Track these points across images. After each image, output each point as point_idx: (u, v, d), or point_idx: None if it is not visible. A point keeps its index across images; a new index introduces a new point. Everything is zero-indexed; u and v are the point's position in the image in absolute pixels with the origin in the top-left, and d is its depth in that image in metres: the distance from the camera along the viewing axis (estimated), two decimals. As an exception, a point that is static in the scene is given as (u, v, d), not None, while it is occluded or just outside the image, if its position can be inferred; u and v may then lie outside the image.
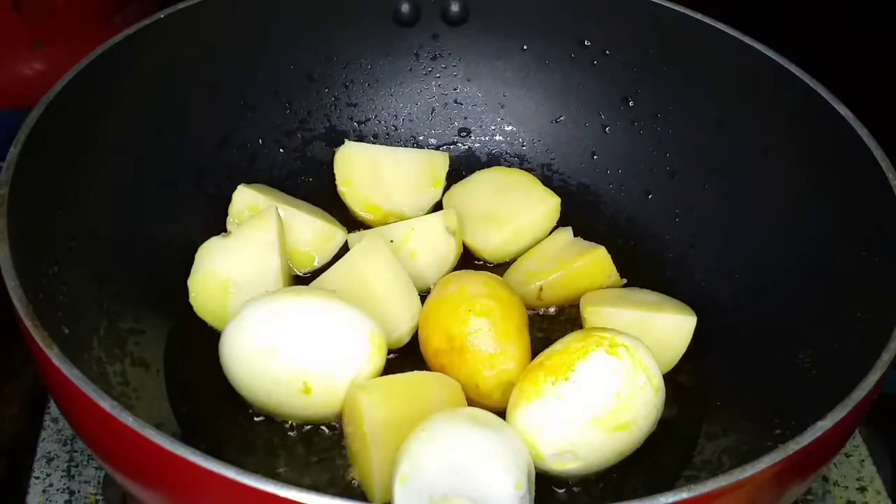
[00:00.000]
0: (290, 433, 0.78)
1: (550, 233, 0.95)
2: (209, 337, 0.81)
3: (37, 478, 0.84)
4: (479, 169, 1.00)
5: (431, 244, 0.90)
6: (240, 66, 0.95)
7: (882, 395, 0.68)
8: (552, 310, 0.90)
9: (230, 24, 0.94)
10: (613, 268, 0.91)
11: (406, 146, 1.03)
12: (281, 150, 1.00)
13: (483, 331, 0.80)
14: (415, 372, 0.79)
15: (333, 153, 0.98)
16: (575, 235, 0.94)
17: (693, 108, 0.95)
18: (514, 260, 0.94)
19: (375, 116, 1.04)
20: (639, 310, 0.85)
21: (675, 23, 0.94)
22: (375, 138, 1.03)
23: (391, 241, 0.89)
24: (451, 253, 0.90)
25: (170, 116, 0.90)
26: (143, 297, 0.83)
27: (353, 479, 0.75)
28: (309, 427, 0.78)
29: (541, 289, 0.88)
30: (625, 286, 0.92)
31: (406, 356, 0.84)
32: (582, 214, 0.99)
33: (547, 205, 0.95)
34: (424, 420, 0.70)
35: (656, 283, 0.91)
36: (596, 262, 0.90)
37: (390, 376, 0.77)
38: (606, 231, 0.97)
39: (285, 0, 0.96)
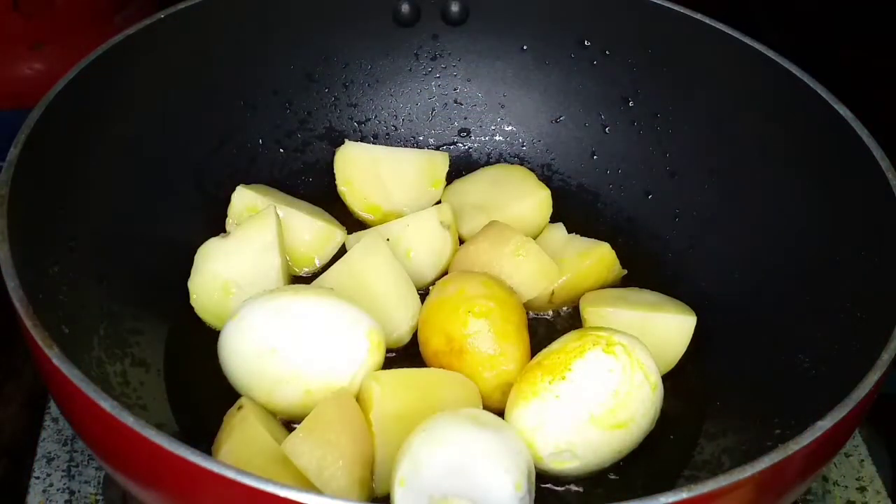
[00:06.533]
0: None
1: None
2: (209, 337, 0.81)
3: (37, 478, 0.84)
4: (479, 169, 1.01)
5: (427, 239, 0.90)
6: (240, 66, 0.95)
7: (882, 395, 0.68)
8: (551, 311, 0.90)
9: (230, 24, 0.94)
10: (617, 262, 0.91)
11: (406, 146, 1.03)
12: (281, 150, 1.00)
13: (482, 332, 0.80)
14: (432, 369, 0.80)
15: (333, 153, 0.98)
16: (575, 235, 0.94)
17: (693, 108, 0.95)
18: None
19: (375, 116, 1.04)
20: (639, 310, 0.85)
21: (675, 23, 0.94)
22: (375, 138, 1.03)
23: (388, 239, 0.89)
24: (447, 247, 0.90)
25: (170, 116, 0.90)
26: (143, 297, 0.83)
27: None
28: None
29: (552, 293, 0.88)
30: (625, 286, 0.92)
31: (406, 356, 0.84)
32: (582, 214, 0.99)
33: (536, 196, 0.95)
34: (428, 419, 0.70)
35: (656, 283, 0.92)
36: (602, 259, 0.90)
37: (406, 370, 0.78)
38: (606, 231, 0.97)
39: (285, 0, 0.96)
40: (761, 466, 0.58)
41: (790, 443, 0.60)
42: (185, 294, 0.85)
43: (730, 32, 0.91)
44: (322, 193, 0.98)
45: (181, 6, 0.90)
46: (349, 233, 0.93)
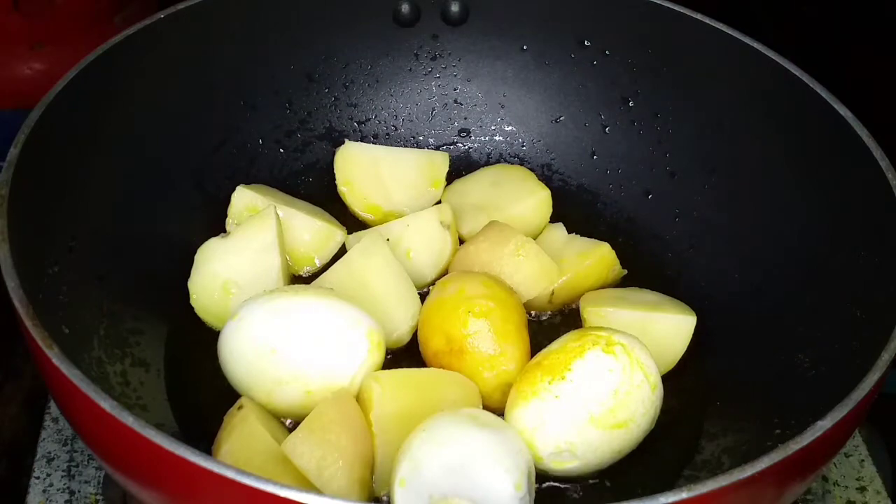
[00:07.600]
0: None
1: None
2: (209, 337, 0.81)
3: (37, 478, 0.84)
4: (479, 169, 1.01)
5: (427, 239, 0.90)
6: (240, 66, 0.95)
7: (882, 395, 0.68)
8: (551, 311, 0.90)
9: (230, 24, 0.94)
10: (617, 262, 0.91)
11: (406, 146, 1.03)
12: (281, 150, 1.00)
13: (482, 332, 0.80)
14: (432, 369, 0.80)
15: (333, 153, 0.98)
16: (575, 235, 0.94)
17: (693, 107, 0.95)
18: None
19: (375, 116, 1.04)
20: (638, 310, 0.85)
21: (675, 23, 0.94)
22: (375, 138, 1.03)
23: (388, 239, 0.89)
24: (447, 247, 0.90)
25: (170, 116, 0.90)
26: (143, 297, 0.83)
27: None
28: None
29: (552, 293, 0.88)
30: (625, 286, 0.92)
31: (406, 356, 0.84)
32: (582, 214, 0.99)
33: (536, 196, 0.95)
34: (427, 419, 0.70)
35: (656, 282, 0.92)
36: (602, 259, 0.90)
37: (406, 370, 0.78)
38: (606, 231, 0.97)
39: (285, 0, 0.96)
40: (761, 466, 0.58)
41: (790, 443, 0.60)
42: (185, 294, 0.85)
43: (730, 32, 0.91)
44: (322, 193, 0.98)
45: (181, 6, 0.90)
46: (349, 233, 0.93)
